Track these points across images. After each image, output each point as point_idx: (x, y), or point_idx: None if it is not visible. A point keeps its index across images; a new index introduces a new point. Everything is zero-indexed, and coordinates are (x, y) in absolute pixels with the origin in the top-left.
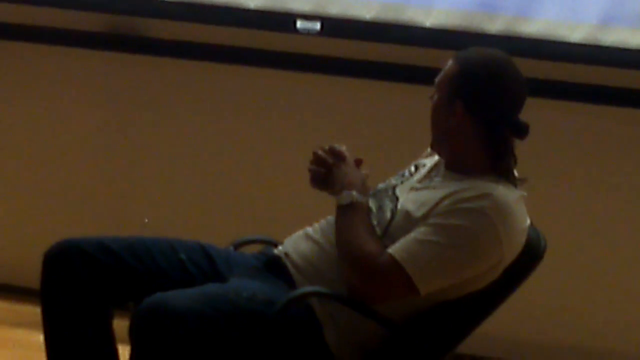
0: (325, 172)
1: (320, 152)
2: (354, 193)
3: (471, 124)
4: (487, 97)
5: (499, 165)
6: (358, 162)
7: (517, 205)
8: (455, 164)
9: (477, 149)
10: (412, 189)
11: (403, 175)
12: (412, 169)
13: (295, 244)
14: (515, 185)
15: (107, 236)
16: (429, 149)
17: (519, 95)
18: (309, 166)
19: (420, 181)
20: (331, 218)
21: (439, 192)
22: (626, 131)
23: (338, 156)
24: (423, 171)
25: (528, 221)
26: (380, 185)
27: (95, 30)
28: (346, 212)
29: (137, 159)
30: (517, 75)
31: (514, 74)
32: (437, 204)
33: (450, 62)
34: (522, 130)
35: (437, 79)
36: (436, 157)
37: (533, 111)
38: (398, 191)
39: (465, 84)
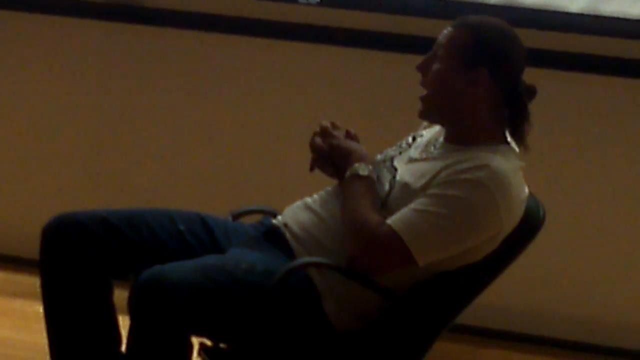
0: (329, 155)
1: (315, 140)
2: (370, 166)
3: (492, 91)
4: (509, 62)
5: (516, 131)
6: (350, 135)
7: (515, 175)
8: (456, 135)
9: (487, 118)
10: (411, 160)
11: (401, 147)
12: (410, 140)
13: (294, 215)
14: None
15: (106, 209)
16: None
17: (525, 56)
18: (311, 160)
19: (418, 152)
20: (331, 189)
21: (438, 164)
22: (625, 101)
23: (327, 134)
24: (421, 142)
25: (527, 191)
26: (379, 157)
27: (93, 0)
28: (358, 183)
29: (135, 130)
30: (518, 37)
31: (517, 36)
32: (435, 175)
33: (449, 30)
34: (533, 92)
35: (438, 48)
36: (435, 128)
37: (532, 81)
38: (396, 162)
39: (487, 51)
